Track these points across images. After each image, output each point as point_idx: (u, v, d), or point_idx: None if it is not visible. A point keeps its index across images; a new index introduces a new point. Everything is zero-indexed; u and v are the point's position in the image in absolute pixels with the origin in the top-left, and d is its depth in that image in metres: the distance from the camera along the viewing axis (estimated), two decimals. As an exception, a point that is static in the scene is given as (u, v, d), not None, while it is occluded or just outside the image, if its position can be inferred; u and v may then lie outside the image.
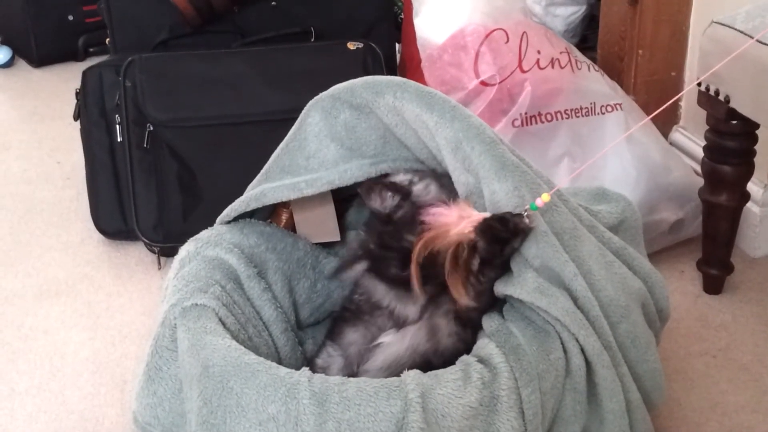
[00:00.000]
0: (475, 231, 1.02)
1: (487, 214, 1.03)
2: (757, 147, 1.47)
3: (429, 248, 1.03)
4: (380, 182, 1.16)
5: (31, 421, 1.36)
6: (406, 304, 1.11)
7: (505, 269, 1.07)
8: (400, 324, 1.12)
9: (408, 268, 1.05)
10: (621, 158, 1.63)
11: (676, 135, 1.93)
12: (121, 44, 1.96)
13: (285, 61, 1.81)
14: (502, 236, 1.03)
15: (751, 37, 1.29)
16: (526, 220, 1.03)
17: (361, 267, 1.13)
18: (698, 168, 1.57)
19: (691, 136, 1.88)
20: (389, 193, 1.15)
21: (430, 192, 1.15)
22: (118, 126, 1.77)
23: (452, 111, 1.09)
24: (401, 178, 1.18)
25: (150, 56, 1.80)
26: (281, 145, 1.23)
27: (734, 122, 1.42)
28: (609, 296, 1.07)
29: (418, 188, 1.16)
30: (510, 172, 1.05)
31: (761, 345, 1.46)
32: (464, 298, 1.04)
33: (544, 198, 1.03)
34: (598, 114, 1.68)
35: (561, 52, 1.70)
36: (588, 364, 1.03)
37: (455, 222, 1.04)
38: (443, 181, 1.15)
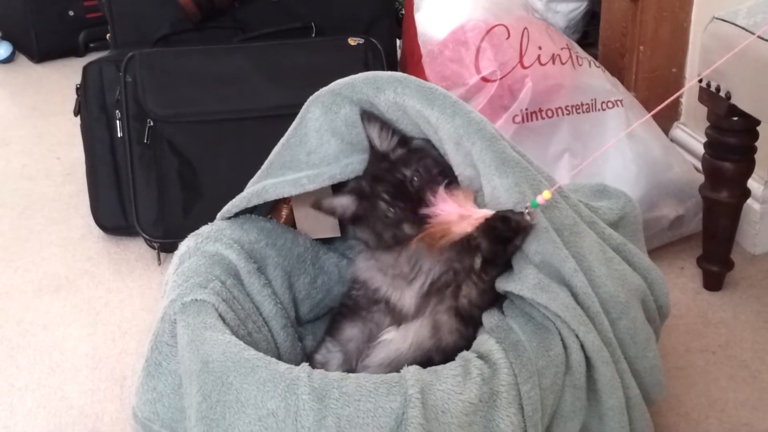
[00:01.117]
0: (478, 231, 1.02)
1: (487, 212, 1.03)
2: (757, 143, 1.47)
3: (429, 243, 1.02)
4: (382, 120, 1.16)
5: (30, 417, 1.36)
6: (402, 292, 1.11)
7: (506, 266, 1.07)
8: (397, 318, 1.12)
9: (399, 201, 1.08)
10: (622, 155, 1.62)
11: (677, 131, 1.92)
12: (121, 40, 1.96)
13: (285, 57, 1.81)
14: (505, 235, 1.03)
15: (753, 33, 1.29)
16: (528, 218, 1.02)
17: (346, 201, 1.14)
18: (699, 164, 1.57)
19: (692, 133, 1.88)
20: (390, 132, 1.15)
21: (426, 147, 1.15)
22: (118, 121, 1.77)
23: (453, 107, 1.09)
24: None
25: (150, 52, 1.80)
26: (282, 140, 1.23)
27: (735, 119, 1.42)
28: (609, 292, 1.07)
29: (417, 142, 1.16)
30: (511, 168, 1.05)
31: (761, 342, 1.46)
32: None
33: (545, 195, 1.02)
34: (599, 110, 1.67)
35: (562, 48, 1.70)
36: (588, 360, 1.03)
37: (456, 221, 1.04)
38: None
